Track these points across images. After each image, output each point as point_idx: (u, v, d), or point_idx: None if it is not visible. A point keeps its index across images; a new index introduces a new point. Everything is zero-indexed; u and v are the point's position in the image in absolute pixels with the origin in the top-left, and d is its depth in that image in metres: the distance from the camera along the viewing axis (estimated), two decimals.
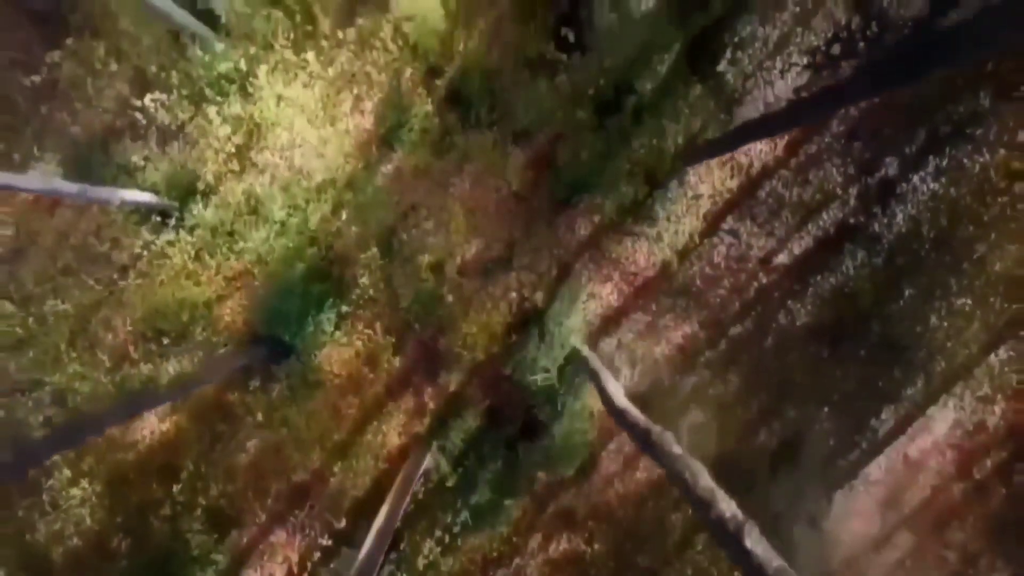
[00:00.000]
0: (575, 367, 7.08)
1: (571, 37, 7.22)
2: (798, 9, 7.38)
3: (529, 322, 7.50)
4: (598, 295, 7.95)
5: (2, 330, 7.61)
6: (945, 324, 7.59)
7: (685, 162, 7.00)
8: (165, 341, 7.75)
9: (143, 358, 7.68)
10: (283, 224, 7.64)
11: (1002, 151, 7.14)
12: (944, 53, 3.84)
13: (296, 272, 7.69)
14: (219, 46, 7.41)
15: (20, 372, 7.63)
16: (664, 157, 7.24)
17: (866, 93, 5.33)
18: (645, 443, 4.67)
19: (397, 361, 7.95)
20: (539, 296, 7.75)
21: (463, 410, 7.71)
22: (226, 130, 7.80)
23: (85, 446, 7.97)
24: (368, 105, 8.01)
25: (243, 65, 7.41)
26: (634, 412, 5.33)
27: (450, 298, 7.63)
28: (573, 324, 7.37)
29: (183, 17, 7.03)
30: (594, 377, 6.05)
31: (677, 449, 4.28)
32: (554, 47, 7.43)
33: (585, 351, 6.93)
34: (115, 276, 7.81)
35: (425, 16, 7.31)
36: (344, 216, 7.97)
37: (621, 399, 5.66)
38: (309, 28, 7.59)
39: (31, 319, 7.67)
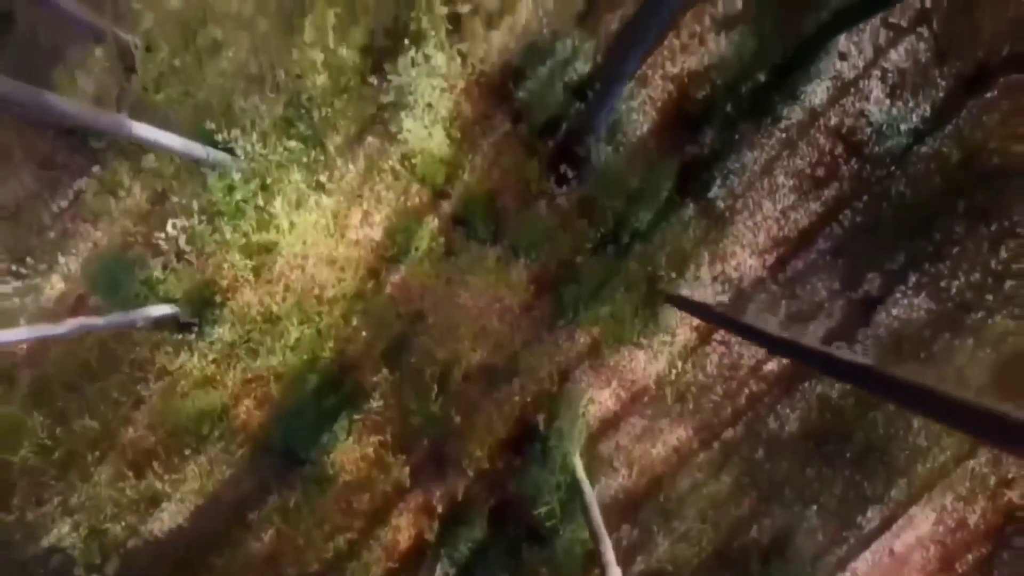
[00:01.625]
0: (573, 492, 7.47)
1: (569, 173, 7.62)
2: (784, 135, 7.78)
3: (532, 435, 7.90)
4: (597, 400, 8.37)
5: (33, 443, 8.05)
6: (925, 430, 7.99)
7: (679, 305, 7.40)
8: (187, 452, 8.17)
9: (165, 470, 8.11)
10: (297, 340, 8.05)
11: (976, 272, 7.54)
12: None
13: (309, 384, 8.11)
14: (236, 175, 7.82)
15: (49, 484, 8.08)
16: (657, 279, 7.65)
17: None
18: None
19: (406, 463, 8.36)
20: (541, 404, 8.17)
21: (470, 515, 8.12)
22: (241, 243, 8.21)
23: None
24: (377, 218, 8.42)
25: (260, 200, 7.82)
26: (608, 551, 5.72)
27: (456, 417, 8.03)
28: (573, 442, 7.77)
29: (203, 150, 7.43)
30: (584, 511, 6.46)
31: None
32: (553, 181, 7.84)
33: (581, 476, 7.32)
34: (139, 388, 8.23)
35: (431, 151, 7.71)
36: (354, 324, 8.39)
37: (603, 537, 6.03)
38: (321, 158, 7.99)
39: (59, 431, 8.11)
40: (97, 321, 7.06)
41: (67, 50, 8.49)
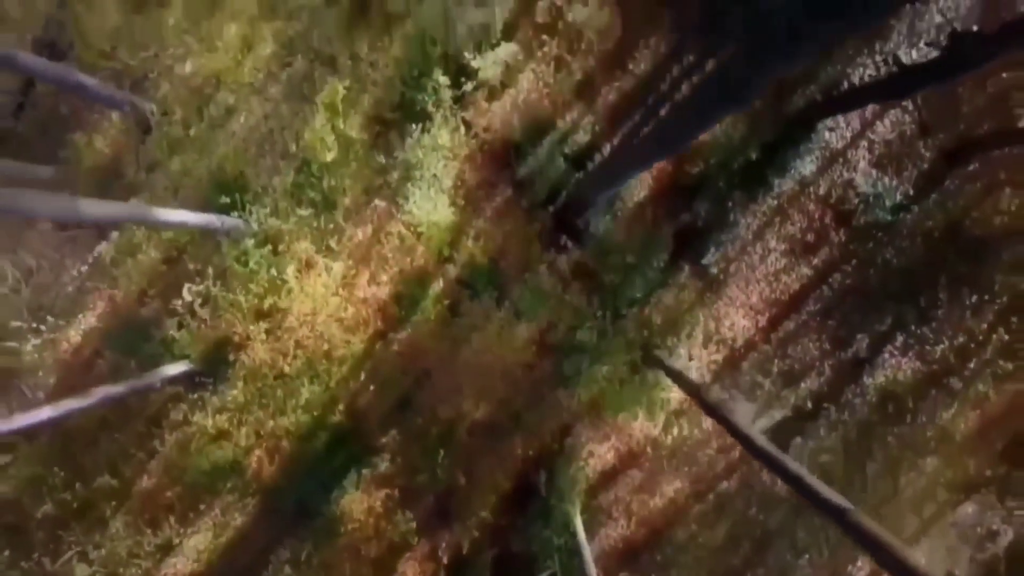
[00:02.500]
0: (574, 553, 7.78)
1: (569, 242, 7.95)
2: (776, 203, 8.11)
3: (534, 491, 8.22)
4: (597, 454, 8.68)
5: (53, 496, 8.36)
6: (912, 485, 8.31)
7: (669, 375, 7.72)
8: (201, 505, 8.48)
9: (180, 522, 8.42)
10: (307, 400, 8.36)
11: (960, 336, 7.87)
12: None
13: (320, 441, 8.42)
14: (249, 241, 8.15)
15: (67, 534, 8.39)
16: (652, 344, 7.97)
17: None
18: None
19: (412, 516, 8.66)
20: (543, 460, 8.48)
21: (474, 567, 8.43)
22: (253, 304, 8.53)
23: None
24: (384, 279, 8.74)
25: (271, 263, 8.14)
26: None
27: (461, 477, 8.35)
28: (574, 502, 8.08)
29: (216, 220, 7.75)
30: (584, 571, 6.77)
31: None
32: (553, 246, 8.17)
33: (582, 539, 7.63)
34: (154, 443, 8.54)
35: (436, 220, 8.03)
36: (362, 380, 8.71)
37: None
38: (330, 225, 8.32)
39: (77, 484, 8.42)
40: (118, 389, 7.39)
41: (85, 115, 8.83)
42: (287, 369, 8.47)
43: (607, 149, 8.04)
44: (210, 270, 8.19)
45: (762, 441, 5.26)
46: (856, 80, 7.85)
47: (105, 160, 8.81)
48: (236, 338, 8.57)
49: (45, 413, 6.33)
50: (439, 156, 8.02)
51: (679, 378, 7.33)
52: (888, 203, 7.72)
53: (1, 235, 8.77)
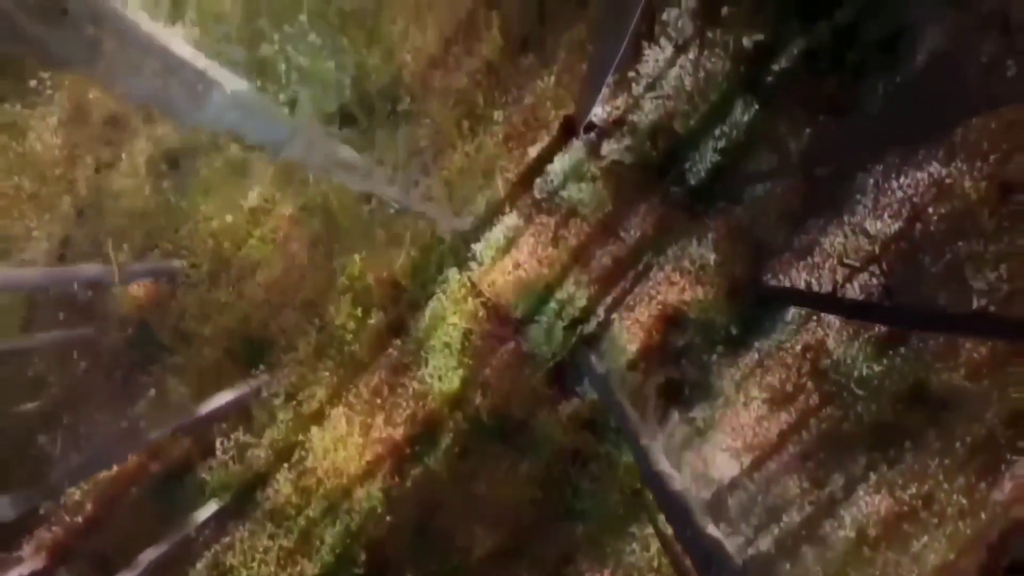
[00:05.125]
0: None
1: (569, 392, 8.71)
2: (756, 355, 8.86)
3: None
4: None
5: None
6: None
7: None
8: None
9: None
10: (331, 546, 9.11)
11: (927, 483, 8.62)
12: None
13: None
14: (276, 401, 8.93)
15: None
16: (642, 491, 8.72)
17: None
18: None
19: None
20: None
21: None
22: (279, 448, 9.31)
23: None
24: (398, 420, 9.50)
25: (295, 413, 8.94)
26: None
27: None
28: None
29: (244, 384, 8.54)
30: None
31: None
32: (555, 392, 8.93)
33: None
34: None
35: (447, 375, 8.81)
36: (379, 512, 9.46)
37: None
38: (350, 375, 9.10)
39: None
40: (160, 548, 8.14)
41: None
42: (311, 514, 9.23)
43: (601, 311, 8.81)
44: (240, 425, 8.97)
45: None
46: (828, 245, 8.63)
47: (137, 312, 9.58)
48: (262, 478, 9.34)
49: None
50: (448, 318, 8.80)
51: (662, 536, 8.08)
52: (859, 360, 8.47)
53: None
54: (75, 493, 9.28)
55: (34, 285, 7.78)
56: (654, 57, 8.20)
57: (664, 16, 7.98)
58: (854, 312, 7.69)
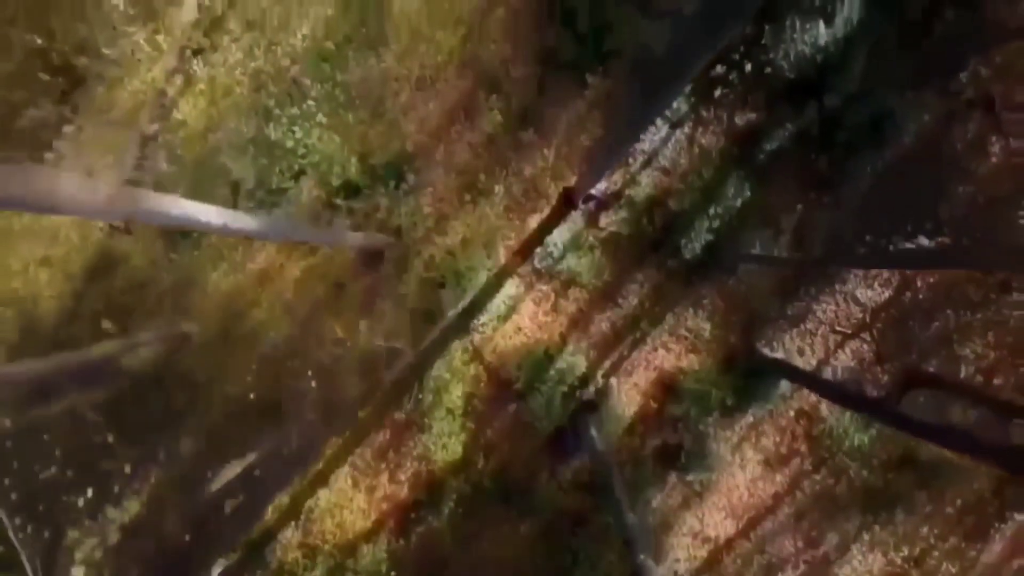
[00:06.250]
0: None
1: (569, 455, 8.95)
2: (751, 419, 9.10)
3: None
4: None
5: None
6: None
7: None
8: None
9: None
10: None
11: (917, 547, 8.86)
12: None
13: None
14: None
15: None
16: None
17: None
18: None
19: None
20: None
21: None
22: (284, 504, 9.55)
23: None
24: (402, 478, 9.73)
25: (303, 495, 9.16)
26: None
27: None
28: None
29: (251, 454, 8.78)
30: None
31: None
32: (554, 455, 9.16)
33: None
34: None
35: (449, 442, 9.05)
36: (384, 570, 9.67)
37: None
38: (354, 439, 9.34)
39: None
40: None
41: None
42: (317, 571, 9.45)
43: (599, 376, 9.05)
44: None
45: None
46: (820, 313, 8.88)
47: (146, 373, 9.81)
48: (269, 536, 9.56)
49: None
50: (451, 385, 9.05)
51: None
52: (850, 429, 8.71)
53: None
54: None
55: (48, 376, 7.99)
56: (650, 134, 8.47)
57: None
58: (839, 398, 7.94)
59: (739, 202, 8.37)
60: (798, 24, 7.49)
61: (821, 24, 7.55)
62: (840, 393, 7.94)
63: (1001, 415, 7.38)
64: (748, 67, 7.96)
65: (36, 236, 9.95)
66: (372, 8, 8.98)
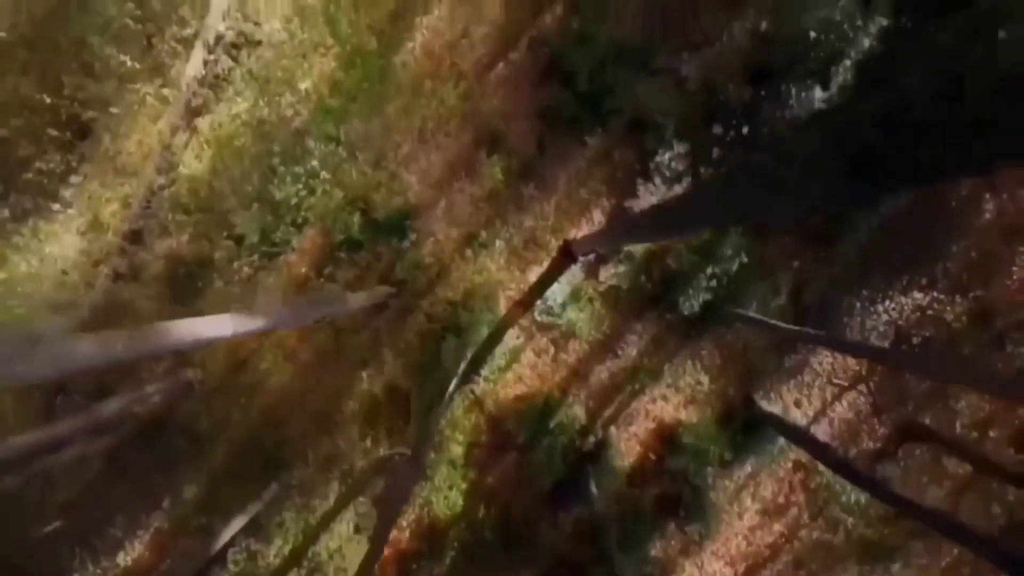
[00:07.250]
0: None
1: (569, 504, 9.06)
2: (749, 469, 9.19)
3: None
4: None
5: None
6: None
7: None
8: None
9: None
10: None
11: None
12: None
13: None
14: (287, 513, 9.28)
15: None
16: None
17: None
18: None
19: None
20: None
21: None
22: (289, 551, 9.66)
23: None
24: (403, 524, 9.83)
25: (306, 541, 9.27)
26: None
27: None
28: None
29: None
30: None
31: None
32: (554, 504, 9.26)
33: None
34: None
35: (451, 495, 9.15)
36: None
37: None
38: (356, 487, 9.45)
39: None
40: None
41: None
42: None
43: (599, 428, 9.15)
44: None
45: None
46: (817, 365, 8.98)
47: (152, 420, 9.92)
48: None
49: None
50: (453, 435, 9.16)
51: None
52: (846, 483, 8.79)
53: None
54: None
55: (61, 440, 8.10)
56: (647, 192, 8.59)
57: (658, 158, 8.36)
58: (830, 463, 7.99)
59: (736, 261, 8.47)
60: (794, 90, 7.64)
61: (817, 89, 7.70)
62: (833, 459, 7.98)
63: (990, 476, 7.49)
64: (745, 129, 8.09)
65: (40, 281, 10.08)
66: (374, 63, 9.12)
